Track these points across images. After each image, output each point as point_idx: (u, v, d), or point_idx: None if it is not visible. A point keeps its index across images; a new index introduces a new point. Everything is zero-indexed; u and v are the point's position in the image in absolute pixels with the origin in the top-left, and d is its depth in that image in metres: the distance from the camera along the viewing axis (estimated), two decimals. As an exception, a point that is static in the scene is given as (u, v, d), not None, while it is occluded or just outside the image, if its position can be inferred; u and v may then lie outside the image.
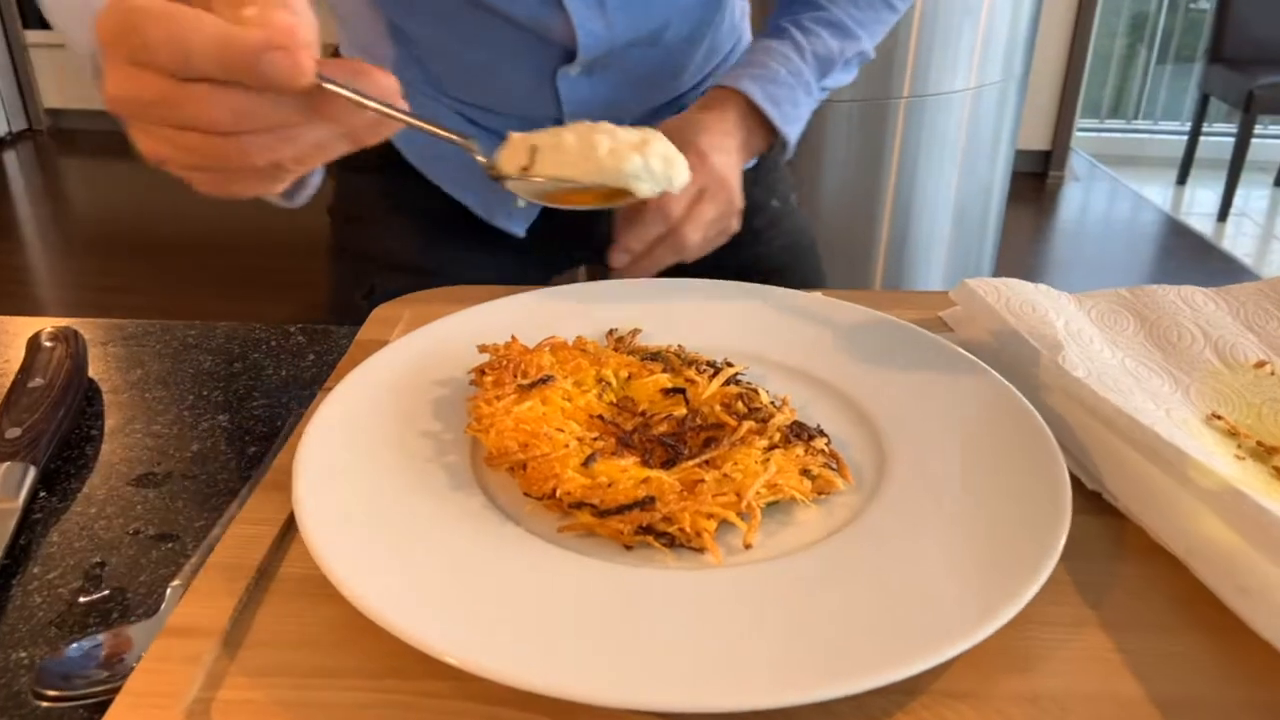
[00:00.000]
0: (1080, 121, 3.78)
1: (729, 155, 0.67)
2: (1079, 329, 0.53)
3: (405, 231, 0.82)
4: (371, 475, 0.42)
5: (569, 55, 0.70)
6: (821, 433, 0.44)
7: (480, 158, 0.43)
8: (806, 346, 0.53)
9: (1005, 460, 0.42)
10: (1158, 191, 3.62)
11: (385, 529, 0.39)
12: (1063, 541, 0.37)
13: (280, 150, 0.36)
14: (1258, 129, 3.26)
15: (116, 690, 0.34)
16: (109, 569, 0.45)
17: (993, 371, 0.48)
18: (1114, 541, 0.41)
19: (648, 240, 0.64)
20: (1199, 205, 3.52)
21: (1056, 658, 0.35)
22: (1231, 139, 3.30)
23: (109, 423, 0.57)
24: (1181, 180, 3.66)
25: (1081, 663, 0.35)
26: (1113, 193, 3.65)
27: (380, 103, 0.37)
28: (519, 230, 0.78)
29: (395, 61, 0.76)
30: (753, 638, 0.34)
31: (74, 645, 0.39)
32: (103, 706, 0.34)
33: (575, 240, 0.82)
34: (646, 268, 0.66)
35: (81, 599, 0.43)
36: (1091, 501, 0.43)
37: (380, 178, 0.81)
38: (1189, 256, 3.09)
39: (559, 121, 0.74)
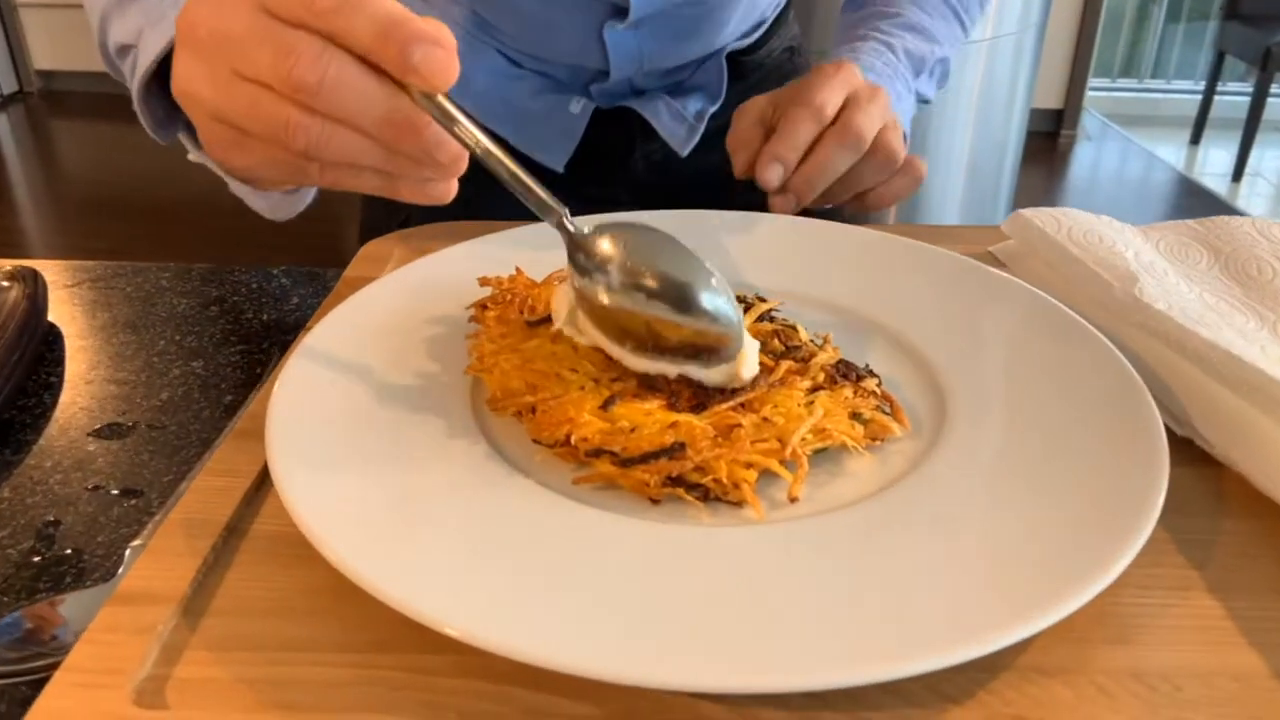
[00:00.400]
0: (1092, 80, 3.69)
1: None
2: (1150, 261, 0.47)
3: None
4: (357, 421, 0.37)
5: (619, 11, 0.68)
6: (871, 373, 0.39)
7: (569, 227, 0.37)
8: (845, 281, 0.47)
9: (1083, 402, 0.37)
10: (1171, 151, 3.54)
11: (373, 481, 0.34)
12: (1163, 493, 0.31)
13: (325, 145, 0.33)
14: (1275, 87, 3.18)
15: (58, 666, 0.29)
16: (64, 528, 0.40)
17: (1059, 305, 0.43)
18: (1213, 494, 0.35)
19: (802, 143, 0.52)
20: (1213, 165, 3.44)
21: (1160, 626, 0.30)
22: (1247, 98, 3.22)
23: (70, 370, 0.51)
24: (1195, 140, 3.58)
25: (1189, 631, 0.30)
26: (1125, 152, 3.57)
27: (475, 132, 0.34)
28: (558, 165, 0.74)
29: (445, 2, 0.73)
30: (803, 606, 0.28)
31: (15, 613, 0.34)
32: (44, 685, 0.29)
33: (616, 178, 0.77)
34: (813, 180, 0.53)
35: (33, 560, 0.38)
36: (1183, 450, 0.37)
37: None
38: (1202, 216, 3.01)
39: (605, 74, 0.71)
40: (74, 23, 4.10)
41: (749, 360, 0.37)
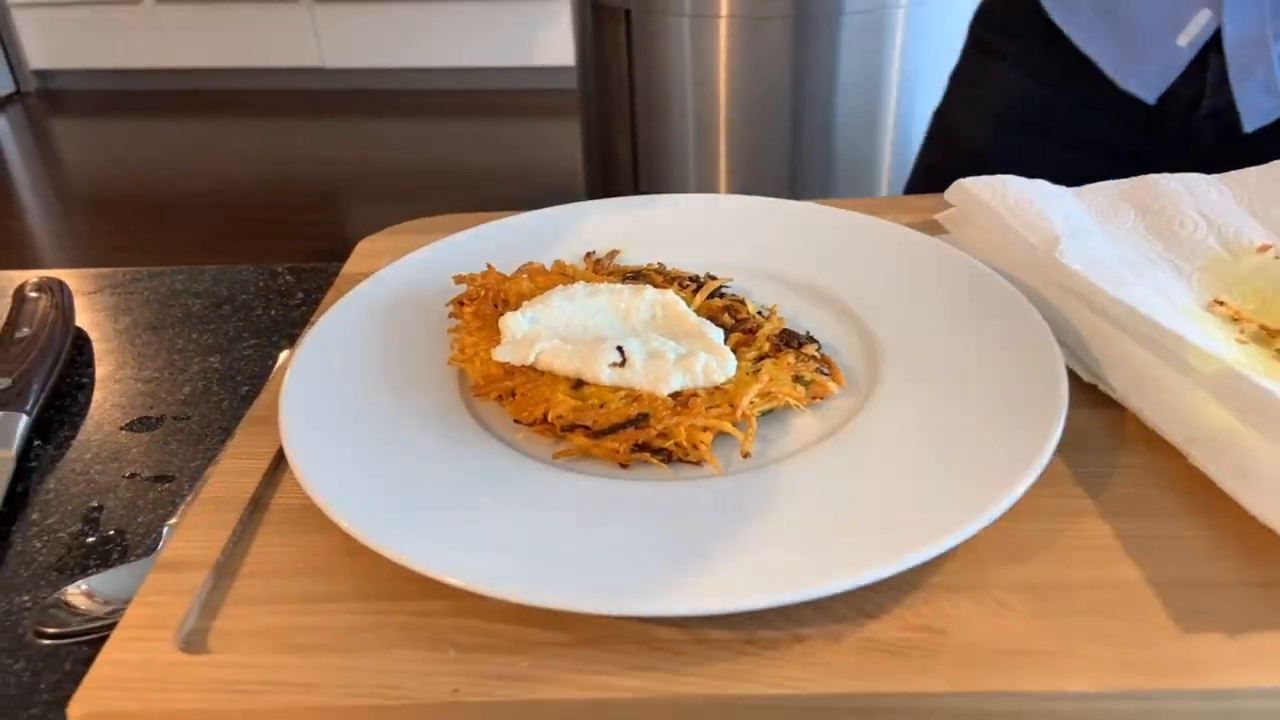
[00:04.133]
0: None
1: None
2: (1078, 224, 0.51)
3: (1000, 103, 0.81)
4: (358, 406, 0.42)
5: None
6: (811, 339, 0.44)
7: None
8: (793, 255, 0.52)
9: (999, 354, 0.41)
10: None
11: (376, 457, 0.38)
12: (1059, 431, 0.36)
13: None
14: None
15: (114, 626, 0.34)
16: (107, 512, 0.45)
17: (985, 267, 0.47)
18: (1113, 434, 0.40)
19: None
20: (1208, 105, 3.44)
21: (1055, 547, 0.35)
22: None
23: (99, 370, 0.56)
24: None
25: (1080, 551, 0.34)
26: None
27: None
28: (1149, 95, 0.68)
29: None
30: (752, 541, 0.33)
31: (74, 585, 0.39)
32: (102, 643, 0.34)
33: (1167, 131, 0.70)
34: None
35: (82, 541, 0.44)
36: (1089, 394, 0.42)
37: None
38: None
39: None
40: (68, 21, 4.12)
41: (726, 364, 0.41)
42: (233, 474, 0.40)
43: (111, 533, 0.44)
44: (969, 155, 0.86)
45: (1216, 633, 0.31)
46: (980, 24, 0.89)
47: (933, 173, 0.90)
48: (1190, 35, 0.66)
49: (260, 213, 3.01)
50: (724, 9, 1.84)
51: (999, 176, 0.56)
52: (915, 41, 2.09)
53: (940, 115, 0.93)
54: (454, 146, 3.53)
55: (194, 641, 0.33)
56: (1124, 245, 0.51)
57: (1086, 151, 0.68)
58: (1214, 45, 0.68)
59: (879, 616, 0.32)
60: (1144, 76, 0.69)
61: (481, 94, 3.95)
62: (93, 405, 0.53)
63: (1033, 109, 0.81)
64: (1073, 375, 0.42)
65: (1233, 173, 0.57)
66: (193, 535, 0.37)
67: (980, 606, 0.32)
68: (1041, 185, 0.55)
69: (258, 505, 0.39)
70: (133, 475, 0.48)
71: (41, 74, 4.31)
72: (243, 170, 3.38)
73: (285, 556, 0.36)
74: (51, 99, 4.28)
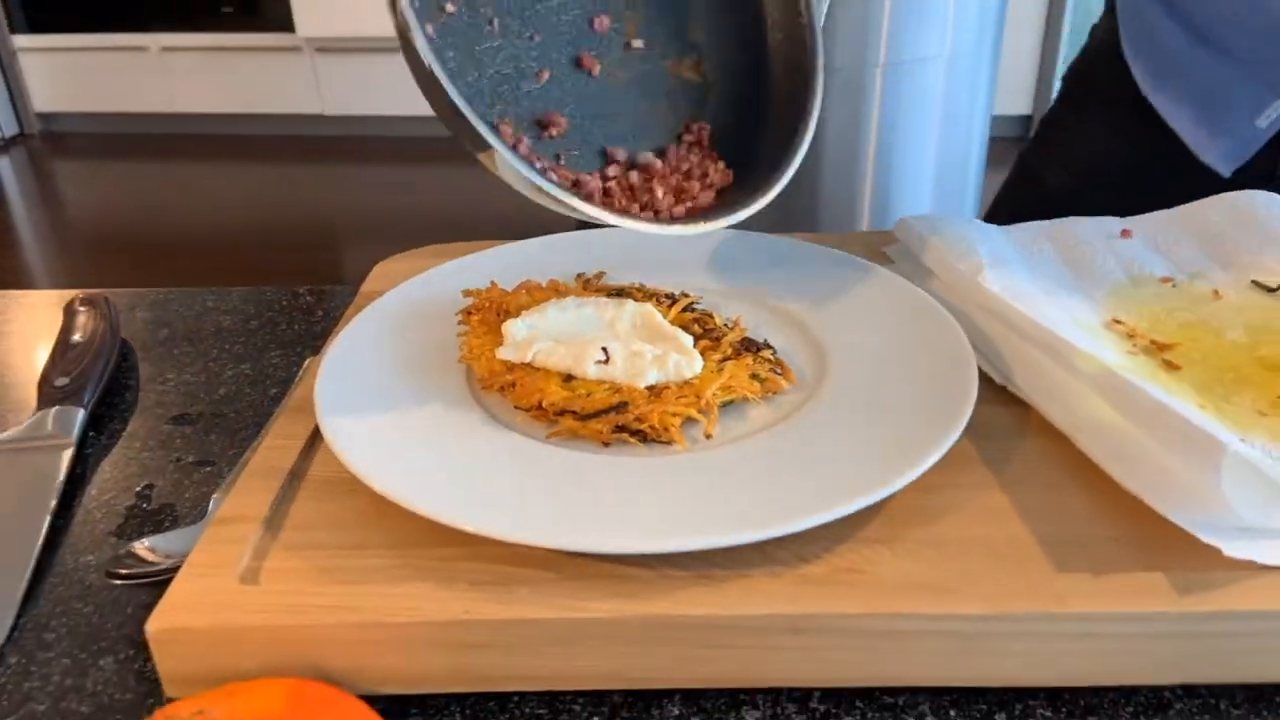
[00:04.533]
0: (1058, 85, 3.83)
1: None
2: (1001, 255, 0.59)
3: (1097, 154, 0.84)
4: (382, 395, 0.49)
5: None
6: (768, 345, 0.51)
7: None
8: (757, 278, 0.60)
9: (924, 359, 0.49)
10: (1136, 151, 3.67)
11: (398, 435, 0.46)
12: (965, 419, 0.43)
13: None
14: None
15: (175, 572, 0.41)
16: (157, 490, 0.52)
17: (919, 289, 0.55)
18: (1017, 425, 0.48)
19: None
20: (1177, 163, 3.57)
21: (960, 512, 0.42)
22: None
23: (143, 374, 0.64)
24: (1159, 140, 3.71)
25: (981, 514, 0.42)
26: (1092, 154, 3.70)
27: None
28: (1225, 169, 0.71)
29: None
30: (710, 499, 0.41)
31: (138, 542, 0.46)
32: (163, 587, 0.40)
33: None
34: None
35: (138, 512, 0.50)
36: (1000, 394, 0.50)
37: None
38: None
39: None
40: (74, 65, 4.24)
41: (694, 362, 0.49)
42: (274, 450, 0.47)
43: (162, 505, 0.51)
44: (1048, 199, 0.91)
45: (1085, 573, 0.38)
46: (1072, 79, 0.95)
47: (1011, 211, 0.91)
48: (1270, 118, 0.70)
49: (262, 253, 3.10)
50: (710, 65, 1.93)
51: (938, 215, 0.64)
52: (891, 98, 2.20)
53: (1026, 157, 0.99)
54: (451, 191, 3.64)
55: (249, 577, 0.40)
56: (1039, 273, 0.59)
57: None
58: None
59: (813, 561, 0.39)
60: (1221, 152, 0.73)
61: (477, 142, 4.06)
62: (139, 404, 0.60)
63: (1114, 165, 0.86)
64: (988, 379, 0.50)
65: (1143, 215, 0.65)
66: (243, 497, 0.44)
67: (895, 554, 0.40)
68: (974, 223, 0.63)
69: (296, 475, 0.46)
70: (177, 460, 0.54)
71: (45, 116, 4.41)
72: (245, 213, 3.48)
73: (322, 515, 0.43)
74: (55, 141, 4.38)
